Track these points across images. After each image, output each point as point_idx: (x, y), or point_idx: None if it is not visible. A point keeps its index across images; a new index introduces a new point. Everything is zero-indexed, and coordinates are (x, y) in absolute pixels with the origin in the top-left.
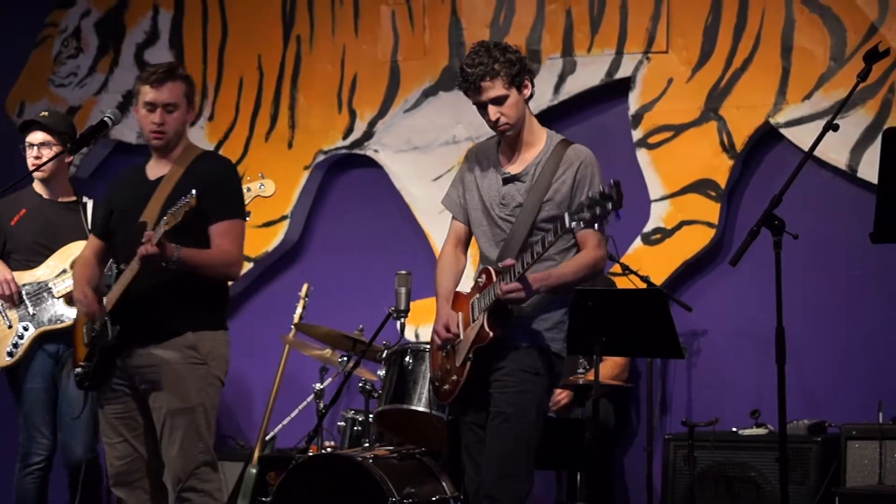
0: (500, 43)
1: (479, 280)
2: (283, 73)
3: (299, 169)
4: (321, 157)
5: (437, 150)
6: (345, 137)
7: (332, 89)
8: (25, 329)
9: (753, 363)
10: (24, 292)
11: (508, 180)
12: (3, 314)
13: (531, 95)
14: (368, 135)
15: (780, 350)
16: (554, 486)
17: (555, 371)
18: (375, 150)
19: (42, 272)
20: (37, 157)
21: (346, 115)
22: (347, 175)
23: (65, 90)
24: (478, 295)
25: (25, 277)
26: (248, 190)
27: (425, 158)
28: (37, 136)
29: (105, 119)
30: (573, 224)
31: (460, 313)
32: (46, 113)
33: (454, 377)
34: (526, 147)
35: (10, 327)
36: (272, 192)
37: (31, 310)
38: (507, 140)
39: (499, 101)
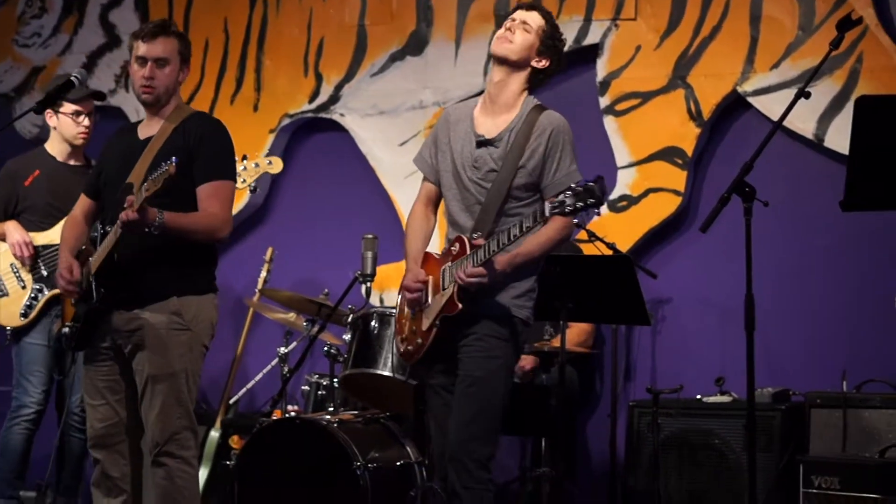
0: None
1: (452, 248)
2: (250, 35)
3: (265, 132)
4: (287, 121)
5: (404, 114)
6: (311, 101)
7: (298, 53)
8: (39, 291)
9: (718, 331)
10: (38, 254)
11: (482, 143)
12: (17, 275)
13: (534, 71)
14: (334, 99)
15: (749, 318)
16: (518, 451)
17: (520, 338)
18: (341, 115)
19: (56, 234)
20: (87, 127)
21: (313, 79)
22: (313, 139)
23: (28, 50)
24: (450, 263)
25: (39, 239)
26: (257, 165)
27: (392, 123)
28: (88, 105)
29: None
30: (554, 212)
31: (430, 276)
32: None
33: (419, 340)
34: (503, 110)
35: (23, 288)
36: (279, 169)
37: (44, 271)
38: (490, 87)
39: (526, 28)
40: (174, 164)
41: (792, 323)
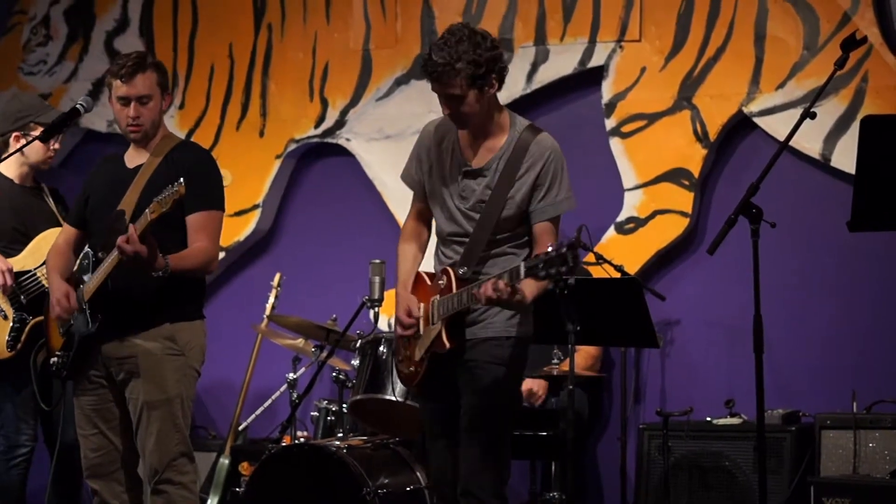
0: (474, 35)
1: (440, 281)
2: (255, 61)
3: (271, 158)
4: (293, 146)
5: (410, 138)
6: (316, 126)
7: (303, 77)
8: (23, 320)
9: (727, 353)
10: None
11: (469, 174)
12: None
13: (499, 88)
14: (340, 123)
15: (757, 339)
16: (528, 475)
17: (523, 357)
18: (347, 139)
19: (27, 260)
20: (54, 150)
21: (318, 104)
22: (319, 164)
23: (34, 78)
24: (438, 297)
25: (13, 266)
26: None
27: (397, 147)
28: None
29: (77, 106)
30: (527, 275)
31: (422, 304)
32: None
33: (412, 368)
34: (489, 137)
35: (5, 318)
36: (228, 182)
37: (23, 299)
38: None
39: (455, 98)
40: (182, 184)
41: (801, 344)
